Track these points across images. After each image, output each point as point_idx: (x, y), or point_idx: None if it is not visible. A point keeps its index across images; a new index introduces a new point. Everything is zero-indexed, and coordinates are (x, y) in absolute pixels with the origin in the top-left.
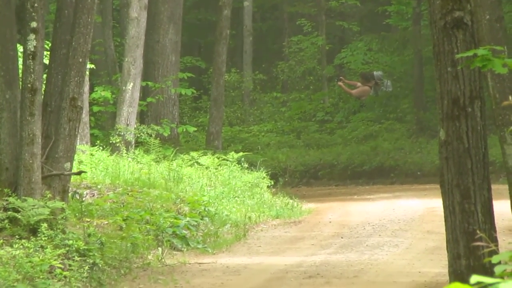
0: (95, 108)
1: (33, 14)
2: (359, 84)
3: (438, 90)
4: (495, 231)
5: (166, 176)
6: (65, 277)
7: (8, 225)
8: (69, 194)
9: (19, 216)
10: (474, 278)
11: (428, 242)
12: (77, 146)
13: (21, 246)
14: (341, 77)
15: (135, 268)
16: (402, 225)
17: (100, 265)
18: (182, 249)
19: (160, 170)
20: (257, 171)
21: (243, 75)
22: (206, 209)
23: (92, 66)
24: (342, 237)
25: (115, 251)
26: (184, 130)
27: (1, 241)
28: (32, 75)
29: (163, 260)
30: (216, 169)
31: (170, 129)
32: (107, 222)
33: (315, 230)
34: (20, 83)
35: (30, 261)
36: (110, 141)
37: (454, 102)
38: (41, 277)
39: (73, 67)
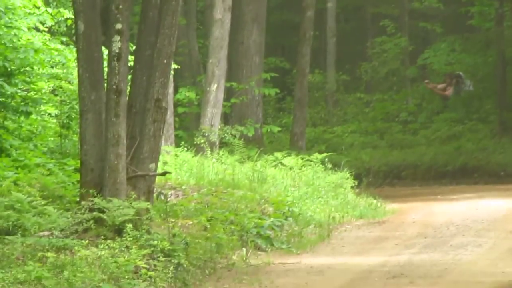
0: (180, 109)
1: (117, 16)
2: (440, 85)
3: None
4: None
5: (250, 176)
6: (150, 277)
7: (94, 225)
8: (154, 195)
9: (105, 217)
10: None
11: (511, 242)
12: (161, 147)
13: (106, 247)
14: (426, 81)
15: (220, 268)
16: (486, 225)
17: (185, 265)
18: (267, 249)
19: (244, 170)
20: (340, 172)
21: (327, 76)
22: (290, 209)
23: (177, 66)
24: (425, 237)
25: (200, 252)
26: (269, 130)
27: (87, 241)
28: (117, 77)
29: (247, 260)
30: (300, 169)
31: (254, 130)
32: (191, 222)
33: (398, 230)
34: (105, 84)
35: (115, 261)
36: (195, 142)
37: None
38: (126, 277)
39: (158, 68)
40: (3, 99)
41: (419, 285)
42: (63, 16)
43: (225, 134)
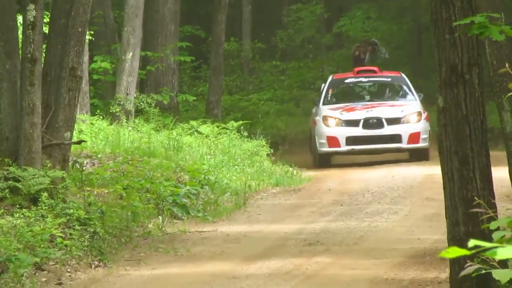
0: (95, 77)
1: None
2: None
3: (436, 58)
4: (494, 198)
5: (166, 145)
6: (66, 246)
7: (9, 194)
8: (70, 164)
9: (20, 186)
10: (472, 242)
11: (427, 209)
12: (77, 116)
13: (21, 216)
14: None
15: (136, 236)
16: (401, 192)
17: (101, 234)
18: (183, 217)
19: (160, 139)
20: (256, 139)
21: (242, 44)
22: (206, 177)
23: (91, 37)
24: (341, 205)
25: (116, 220)
26: (184, 99)
27: (2, 210)
28: (32, 45)
29: (163, 228)
30: (215, 137)
31: (170, 98)
32: (107, 191)
33: (314, 197)
34: (20, 53)
35: (31, 230)
36: (110, 111)
37: (452, 69)
38: (42, 246)
39: (73, 37)
40: None
41: (335, 252)
42: None
43: (141, 103)
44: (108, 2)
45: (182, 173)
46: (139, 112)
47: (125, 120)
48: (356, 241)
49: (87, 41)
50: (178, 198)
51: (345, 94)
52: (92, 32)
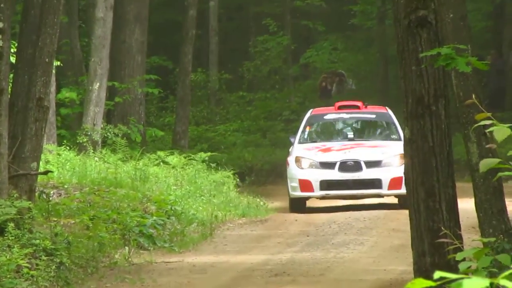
0: (63, 111)
1: None
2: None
3: (403, 89)
4: (460, 229)
5: (133, 175)
6: (32, 276)
7: None
8: (36, 194)
9: None
10: (438, 274)
11: (393, 240)
12: (44, 146)
13: None
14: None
15: (102, 267)
16: (368, 223)
17: (67, 264)
18: (149, 248)
19: (127, 169)
20: (223, 170)
21: (209, 75)
22: (173, 208)
23: (59, 63)
24: (308, 235)
25: (82, 251)
26: (154, 134)
27: None
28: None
29: (130, 259)
30: (182, 168)
31: (138, 131)
32: (74, 221)
33: (281, 228)
34: None
35: None
36: (77, 141)
37: (418, 101)
38: (8, 276)
39: (40, 67)
40: None
41: (301, 283)
42: None
43: (108, 133)
44: (75, 31)
45: (148, 203)
46: (105, 142)
47: (92, 151)
48: (322, 272)
49: (54, 71)
50: (145, 228)
51: (324, 132)
52: (59, 62)
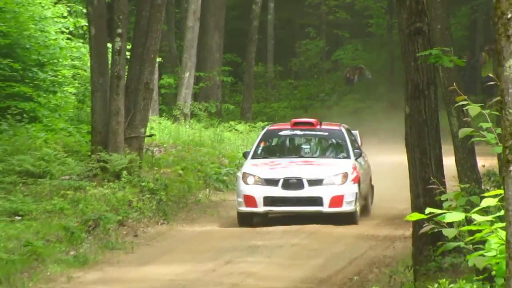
0: (163, 91)
1: (119, 23)
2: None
3: (405, 79)
4: (444, 178)
5: (212, 138)
6: (140, 208)
7: (100, 172)
8: (143, 151)
9: (108, 166)
10: (428, 210)
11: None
12: (149, 117)
13: (109, 187)
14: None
15: (190, 203)
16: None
17: (165, 201)
18: (223, 190)
19: (208, 134)
20: None
21: (267, 67)
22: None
23: (160, 58)
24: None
25: (175, 191)
26: (226, 108)
27: (95, 183)
28: (118, 66)
29: (209, 197)
30: (247, 133)
31: (216, 107)
32: (170, 170)
33: None
34: (109, 72)
35: (115, 197)
36: (173, 114)
37: (415, 87)
38: (123, 208)
39: (147, 61)
40: (37, 82)
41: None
42: (80, 24)
43: (194, 108)
44: (172, 36)
45: (223, 158)
46: (193, 115)
47: (183, 120)
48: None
49: (157, 64)
50: (220, 176)
51: (276, 148)
52: (160, 58)
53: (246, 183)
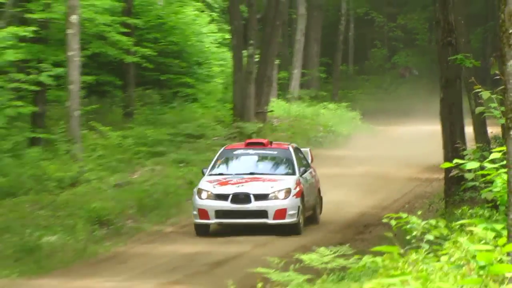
0: (280, 81)
1: (251, 37)
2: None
3: (439, 75)
4: (465, 140)
5: (312, 113)
6: None
7: (237, 135)
8: (266, 121)
9: (243, 131)
10: (455, 161)
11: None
12: (270, 99)
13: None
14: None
15: None
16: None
17: None
18: (324, 146)
19: (309, 110)
20: (353, 111)
21: (348, 67)
22: (331, 128)
23: (278, 61)
24: None
25: None
26: (321, 93)
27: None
28: (250, 65)
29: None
30: (335, 110)
31: (314, 92)
32: (285, 134)
33: None
34: (244, 69)
35: None
36: (286, 97)
37: (446, 80)
38: None
39: (269, 62)
40: (197, 75)
41: None
42: (225, 37)
43: (301, 93)
44: (286, 45)
45: (319, 126)
46: (299, 98)
47: (293, 101)
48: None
49: (276, 64)
50: (318, 137)
51: (230, 166)
52: (278, 60)
53: (200, 198)
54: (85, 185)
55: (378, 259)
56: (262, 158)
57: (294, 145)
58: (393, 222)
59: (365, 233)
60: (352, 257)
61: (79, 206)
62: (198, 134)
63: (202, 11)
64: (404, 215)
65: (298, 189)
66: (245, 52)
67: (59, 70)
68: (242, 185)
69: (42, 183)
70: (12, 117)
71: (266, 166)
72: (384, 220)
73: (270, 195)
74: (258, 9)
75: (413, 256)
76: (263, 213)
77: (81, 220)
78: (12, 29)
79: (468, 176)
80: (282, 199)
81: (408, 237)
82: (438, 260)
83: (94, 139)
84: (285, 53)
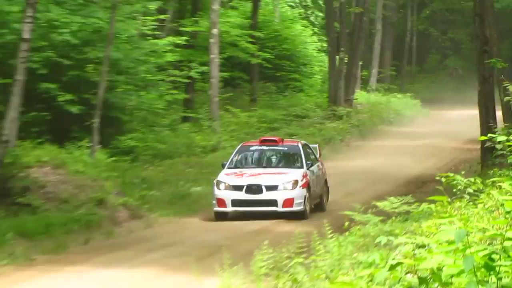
0: (362, 77)
1: (342, 44)
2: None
3: (477, 73)
4: (496, 121)
5: (385, 101)
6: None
7: (332, 116)
8: (353, 106)
9: (336, 113)
10: (489, 135)
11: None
12: (355, 90)
13: (337, 123)
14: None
15: (375, 131)
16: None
17: (359, 126)
18: (391, 125)
19: (383, 99)
20: (414, 99)
21: (411, 67)
22: (398, 112)
23: (361, 62)
24: None
25: (368, 125)
26: (391, 86)
27: (329, 121)
28: (341, 66)
29: (383, 128)
30: (402, 99)
31: (387, 86)
32: (365, 115)
33: None
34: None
35: (340, 128)
36: (367, 89)
37: (483, 78)
38: (343, 131)
39: (354, 63)
40: (302, 72)
41: None
42: (323, 45)
43: (377, 86)
44: (366, 52)
45: (391, 110)
46: (376, 90)
47: (371, 92)
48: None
49: (359, 64)
50: (389, 118)
51: (246, 161)
52: (361, 62)
53: (219, 189)
54: (222, 150)
55: (432, 205)
56: (274, 153)
57: (303, 142)
58: (443, 179)
59: (423, 187)
60: (414, 204)
61: (218, 165)
62: (303, 115)
63: (307, 27)
64: (451, 174)
65: (304, 180)
66: (337, 56)
67: (204, 68)
68: (256, 177)
69: (191, 149)
70: (170, 101)
71: (277, 160)
72: (437, 178)
73: (279, 186)
74: (347, 25)
75: (458, 204)
76: (273, 202)
77: None
78: (170, 38)
79: (498, 146)
80: (290, 189)
81: (454, 190)
82: (476, 207)
83: (228, 118)
84: (366, 57)
